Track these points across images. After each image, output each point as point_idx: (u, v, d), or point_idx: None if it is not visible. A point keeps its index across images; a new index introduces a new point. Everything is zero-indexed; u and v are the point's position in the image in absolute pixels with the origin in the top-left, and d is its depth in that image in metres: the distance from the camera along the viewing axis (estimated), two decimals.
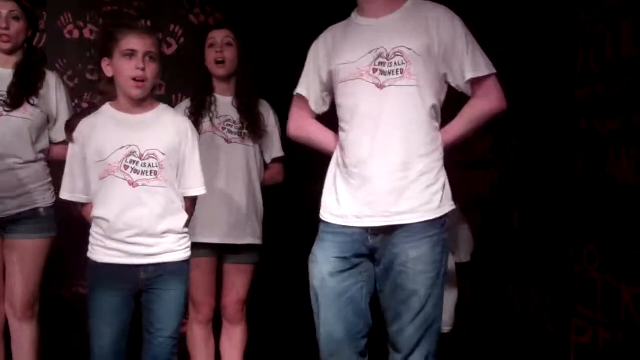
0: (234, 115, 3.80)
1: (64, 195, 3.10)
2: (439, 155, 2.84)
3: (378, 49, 2.81)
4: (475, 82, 2.84)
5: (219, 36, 3.80)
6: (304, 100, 3.02)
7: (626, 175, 3.10)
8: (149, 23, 4.58)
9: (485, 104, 2.86)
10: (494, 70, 2.85)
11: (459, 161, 4.43)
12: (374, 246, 2.85)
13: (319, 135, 3.05)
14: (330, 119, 2.98)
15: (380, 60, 2.80)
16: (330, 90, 2.97)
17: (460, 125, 2.89)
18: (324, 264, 2.86)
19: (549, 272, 3.67)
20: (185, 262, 3.10)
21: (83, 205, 3.12)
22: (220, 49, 3.77)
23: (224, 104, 3.83)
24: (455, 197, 2.91)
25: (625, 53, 3.12)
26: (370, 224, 2.82)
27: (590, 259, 3.33)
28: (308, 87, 3.01)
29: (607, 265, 3.22)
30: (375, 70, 2.80)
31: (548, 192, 3.67)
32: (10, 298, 3.60)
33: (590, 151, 3.33)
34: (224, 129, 3.79)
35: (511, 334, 4.00)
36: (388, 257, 2.82)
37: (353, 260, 2.87)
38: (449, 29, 2.82)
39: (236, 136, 3.78)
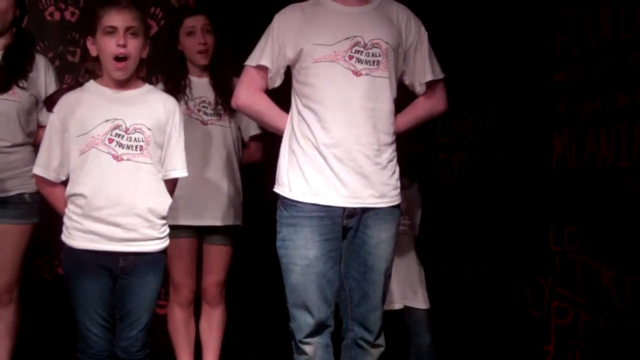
0: (209, 95, 3.73)
1: (37, 170, 2.95)
2: (395, 145, 2.95)
3: (355, 36, 2.85)
4: (429, 84, 3.00)
5: (198, 24, 3.71)
6: (262, 71, 2.95)
7: (606, 157, 3.09)
8: None
9: (435, 105, 3.05)
10: (444, 75, 3.03)
11: (440, 143, 4.39)
12: (347, 226, 2.88)
13: (272, 110, 3.01)
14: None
15: (357, 48, 2.84)
16: (288, 66, 2.94)
17: (408, 121, 3.02)
18: (309, 248, 2.84)
19: (529, 254, 3.62)
20: (164, 253, 2.99)
21: (52, 185, 2.96)
22: (203, 39, 3.70)
23: (200, 84, 3.75)
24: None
25: (605, 35, 3.11)
26: (346, 204, 2.86)
27: (571, 240, 3.31)
28: (272, 59, 2.93)
29: (587, 247, 3.20)
30: (351, 58, 2.84)
31: (528, 174, 3.64)
32: None
33: (570, 133, 3.32)
34: (199, 111, 3.71)
35: (491, 317, 3.98)
36: (360, 238, 2.89)
37: (332, 243, 2.87)
38: (415, 30, 2.96)
39: (212, 117, 3.71)
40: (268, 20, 2.98)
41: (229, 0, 4.52)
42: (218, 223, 3.70)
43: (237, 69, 3.15)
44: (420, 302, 3.76)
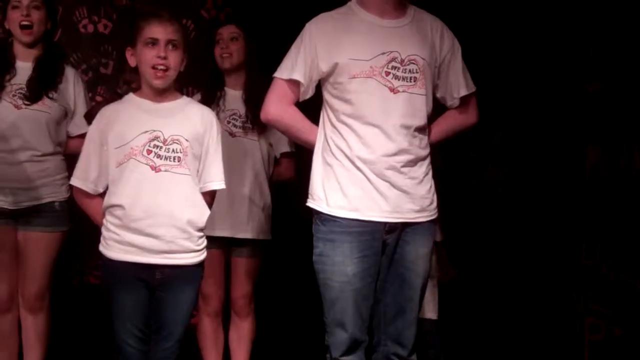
0: (241, 109, 3.72)
1: (75, 182, 2.93)
2: (430, 159, 2.90)
3: (392, 52, 2.77)
4: (463, 98, 2.93)
5: (225, 32, 3.73)
6: (294, 85, 2.85)
7: None
8: None
9: (467, 118, 2.98)
10: (476, 88, 2.96)
11: (471, 157, 4.34)
12: (387, 241, 2.81)
13: (302, 123, 2.92)
14: None
15: (394, 64, 2.77)
16: (322, 79, 2.84)
17: (440, 133, 2.96)
18: (347, 265, 2.77)
19: (561, 269, 3.55)
20: (201, 266, 2.94)
21: (89, 197, 2.93)
22: (226, 45, 3.70)
23: (234, 97, 3.74)
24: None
25: None
26: (387, 219, 2.78)
27: (604, 255, 3.25)
28: (305, 72, 2.82)
29: (620, 261, 3.14)
30: (388, 74, 2.77)
31: (560, 189, 3.56)
32: (21, 289, 3.53)
33: (603, 144, 3.28)
34: (228, 122, 3.70)
35: (524, 333, 3.93)
36: (399, 253, 2.82)
37: (370, 259, 2.80)
38: (449, 44, 2.89)
39: (241, 130, 3.69)
40: (295, 29, 2.90)
41: (262, 12, 4.50)
42: (246, 236, 3.67)
43: (266, 79, 3.10)
44: (430, 312, 3.69)
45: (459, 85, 2.90)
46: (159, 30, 2.84)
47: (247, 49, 3.72)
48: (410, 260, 2.82)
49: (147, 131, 2.83)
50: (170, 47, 2.84)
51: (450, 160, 3.90)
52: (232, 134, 3.68)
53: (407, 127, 2.77)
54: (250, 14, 4.32)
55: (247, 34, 3.74)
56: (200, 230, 2.91)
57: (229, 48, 3.69)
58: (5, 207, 3.45)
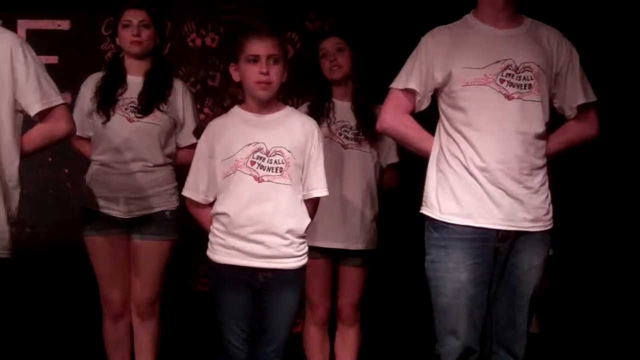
0: (351, 120, 3.71)
1: (186, 192, 3.03)
2: (546, 169, 2.86)
3: (506, 60, 2.77)
4: (580, 108, 2.87)
5: (330, 44, 3.73)
6: (410, 94, 2.88)
7: None
8: None
9: (587, 129, 2.91)
10: (596, 98, 2.89)
11: None
12: (499, 249, 2.79)
13: (417, 131, 2.93)
14: None
15: (509, 71, 2.76)
16: (437, 89, 2.86)
17: (559, 145, 2.90)
18: (460, 272, 2.75)
19: None
20: (302, 270, 3.00)
21: (200, 206, 3.02)
22: (334, 56, 3.70)
23: (342, 109, 3.74)
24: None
25: None
26: (500, 226, 2.76)
27: None
28: (420, 82, 2.85)
29: None
30: (502, 81, 2.76)
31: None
32: (133, 296, 3.61)
33: None
34: (340, 134, 3.69)
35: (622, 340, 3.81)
36: (511, 262, 2.79)
37: (483, 266, 2.77)
38: (567, 53, 2.85)
39: (352, 141, 3.69)
40: (411, 42, 2.91)
41: (367, 24, 4.48)
42: (354, 247, 3.66)
43: (380, 92, 3.09)
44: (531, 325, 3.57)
45: (576, 95, 2.85)
46: (259, 47, 2.90)
47: (353, 60, 3.72)
48: (522, 270, 2.78)
49: (250, 143, 2.91)
50: (271, 61, 2.90)
51: None
52: (344, 146, 3.68)
53: (522, 134, 2.74)
54: (353, 24, 4.33)
55: (351, 45, 3.73)
56: (301, 237, 2.96)
57: (337, 60, 3.69)
58: (119, 216, 3.54)
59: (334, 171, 3.54)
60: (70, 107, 3.15)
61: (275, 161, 2.90)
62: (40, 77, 2.77)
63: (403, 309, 4.26)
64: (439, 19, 2.95)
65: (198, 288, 4.54)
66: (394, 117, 2.91)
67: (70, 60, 4.48)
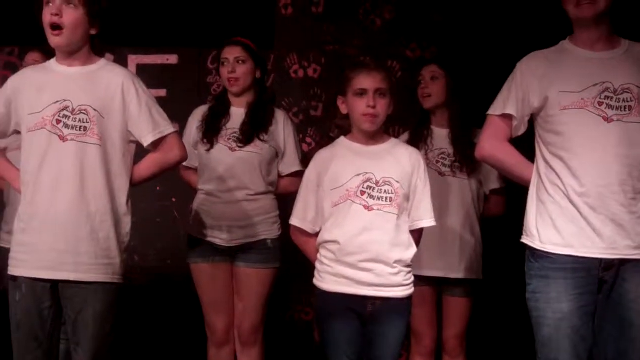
0: (448, 147, 3.67)
1: (294, 221, 3.05)
2: None
3: (604, 82, 2.70)
4: None
5: (425, 73, 3.72)
6: (507, 120, 2.83)
7: None
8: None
9: None
10: None
11: None
12: (604, 279, 2.69)
13: (517, 159, 2.87)
14: None
15: (607, 94, 2.69)
16: (534, 114, 2.80)
17: None
18: (562, 302, 2.66)
19: None
20: (409, 299, 2.99)
21: (307, 235, 3.04)
22: (426, 84, 3.70)
23: (440, 136, 3.70)
24: None
25: None
26: (602, 255, 2.66)
27: None
28: (517, 107, 2.80)
29: None
30: (601, 104, 2.68)
31: None
32: (236, 323, 3.63)
33: None
34: (437, 162, 3.66)
35: None
36: (617, 292, 2.69)
37: (586, 297, 2.67)
38: None
39: (449, 169, 3.65)
40: (505, 70, 2.87)
41: (468, 52, 4.43)
42: (458, 276, 3.60)
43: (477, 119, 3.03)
44: None
45: None
46: (367, 81, 2.94)
47: (448, 88, 3.68)
48: (630, 299, 2.67)
49: (360, 174, 2.93)
50: (378, 95, 2.92)
51: None
52: (441, 174, 3.63)
53: (624, 157, 2.66)
54: (453, 52, 4.29)
55: (449, 73, 3.70)
56: (408, 266, 2.95)
57: (429, 88, 3.68)
58: (222, 244, 3.58)
59: (432, 199, 3.49)
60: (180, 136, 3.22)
61: (385, 191, 2.91)
62: (152, 109, 2.84)
63: (509, 340, 4.14)
64: (537, 46, 2.90)
65: (301, 317, 4.53)
66: (492, 145, 2.87)
67: (178, 93, 4.59)
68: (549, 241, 2.72)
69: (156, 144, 2.86)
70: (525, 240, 2.80)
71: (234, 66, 3.62)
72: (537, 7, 4.07)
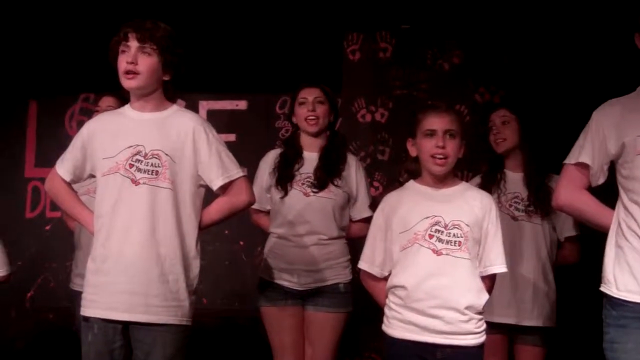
0: (522, 192, 3.60)
1: (362, 265, 2.99)
2: None
3: None
4: None
5: (496, 118, 3.67)
6: (584, 169, 2.74)
7: None
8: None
9: None
10: None
11: None
12: None
13: (594, 207, 2.76)
14: None
15: None
16: (612, 162, 2.71)
17: None
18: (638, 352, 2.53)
19: None
20: (481, 348, 2.87)
21: (375, 279, 2.98)
22: (498, 130, 3.65)
23: (514, 180, 3.64)
24: None
25: None
26: None
27: None
28: (593, 156, 2.72)
29: None
30: None
31: None
32: None
33: None
34: (510, 206, 3.58)
35: None
36: None
37: None
38: None
39: (523, 213, 3.56)
40: (583, 117, 2.81)
41: (538, 96, 4.38)
42: (527, 323, 3.50)
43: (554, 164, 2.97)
44: None
45: None
46: (436, 122, 2.89)
47: (521, 132, 3.62)
48: None
49: (428, 217, 2.86)
50: (447, 136, 2.87)
51: None
52: (514, 218, 3.56)
53: None
54: (524, 96, 4.23)
55: (519, 117, 3.65)
56: (479, 313, 2.85)
57: (501, 133, 3.63)
58: (294, 287, 3.55)
59: (504, 243, 3.42)
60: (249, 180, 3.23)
61: (454, 234, 2.84)
62: (222, 153, 2.86)
63: None
64: (613, 92, 2.83)
65: None
66: (569, 193, 2.78)
67: (247, 137, 4.64)
68: (625, 288, 2.62)
69: (225, 188, 2.86)
70: (603, 287, 2.70)
71: (314, 105, 3.63)
72: (605, 45, 4.01)
